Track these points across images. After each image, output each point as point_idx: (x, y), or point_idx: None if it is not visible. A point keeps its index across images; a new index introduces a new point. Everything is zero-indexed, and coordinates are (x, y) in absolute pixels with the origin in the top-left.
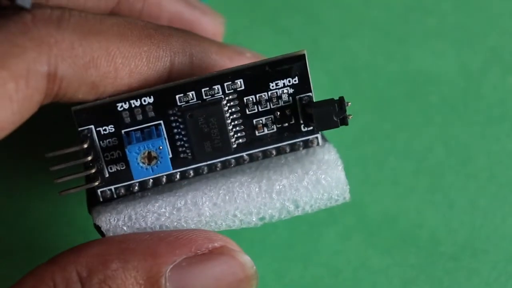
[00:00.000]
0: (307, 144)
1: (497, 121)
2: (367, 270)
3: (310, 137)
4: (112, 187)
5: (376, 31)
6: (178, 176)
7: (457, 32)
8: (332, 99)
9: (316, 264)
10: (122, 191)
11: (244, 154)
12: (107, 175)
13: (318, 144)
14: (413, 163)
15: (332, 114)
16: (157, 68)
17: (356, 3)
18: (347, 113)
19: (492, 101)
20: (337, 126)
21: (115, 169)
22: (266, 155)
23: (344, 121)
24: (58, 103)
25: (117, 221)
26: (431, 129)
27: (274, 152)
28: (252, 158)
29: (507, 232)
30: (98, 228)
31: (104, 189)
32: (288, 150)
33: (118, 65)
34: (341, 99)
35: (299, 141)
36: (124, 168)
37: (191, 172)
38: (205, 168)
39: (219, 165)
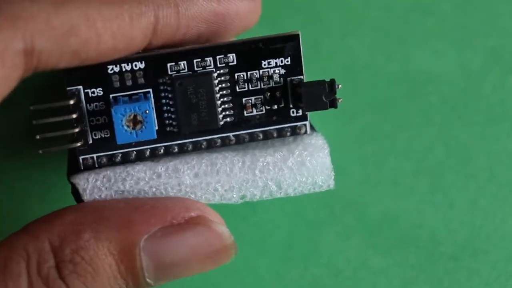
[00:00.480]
0: (295, 131)
1: (497, 121)
2: (367, 270)
3: (299, 123)
4: (94, 155)
5: (376, 31)
6: (162, 151)
7: (457, 32)
8: (323, 80)
9: (316, 264)
10: (104, 160)
11: (230, 134)
12: (90, 142)
13: (306, 131)
14: (413, 163)
15: (321, 94)
16: (141, 25)
17: (356, 3)
18: (337, 96)
19: (492, 101)
20: (326, 108)
21: (99, 136)
22: (252, 138)
23: (333, 104)
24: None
25: (95, 181)
26: (431, 129)
27: (261, 135)
28: (239, 139)
29: (507, 232)
30: (75, 190)
31: (86, 156)
32: (275, 135)
33: (100, 30)
34: (332, 81)
35: (287, 127)
36: (108, 136)
37: (176, 148)
38: (190, 145)
39: (204, 143)
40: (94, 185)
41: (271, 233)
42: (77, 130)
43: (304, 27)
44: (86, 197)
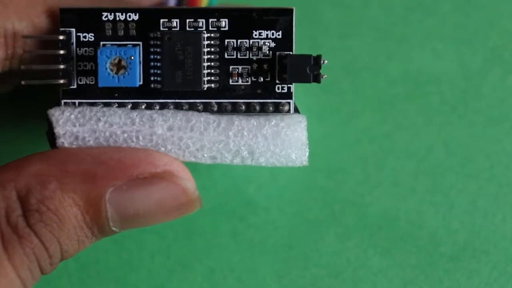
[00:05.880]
0: (278, 108)
1: (497, 121)
2: (367, 270)
3: (283, 101)
4: (77, 101)
5: (376, 31)
6: (143, 107)
7: (457, 32)
8: (310, 54)
9: (316, 264)
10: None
11: (213, 101)
12: (75, 86)
13: (289, 110)
14: (413, 163)
15: (306, 67)
16: None
17: (356, 3)
18: (322, 72)
19: (492, 101)
20: (309, 81)
21: (84, 82)
22: (235, 108)
23: (316, 78)
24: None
25: (70, 114)
26: (431, 129)
27: (243, 107)
28: (221, 107)
29: (507, 232)
30: (49, 126)
31: (68, 101)
32: (258, 108)
33: None
34: (318, 56)
35: (270, 102)
36: (93, 83)
37: (157, 106)
38: (172, 106)
39: (186, 106)
40: (68, 118)
41: (271, 233)
42: (62, 66)
43: (304, 27)
44: (58, 128)
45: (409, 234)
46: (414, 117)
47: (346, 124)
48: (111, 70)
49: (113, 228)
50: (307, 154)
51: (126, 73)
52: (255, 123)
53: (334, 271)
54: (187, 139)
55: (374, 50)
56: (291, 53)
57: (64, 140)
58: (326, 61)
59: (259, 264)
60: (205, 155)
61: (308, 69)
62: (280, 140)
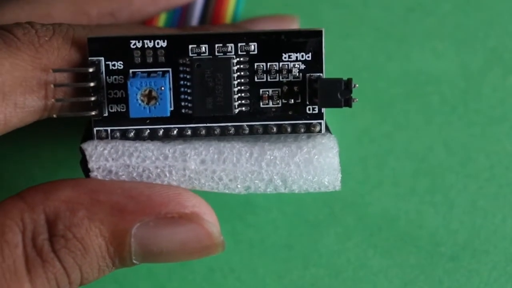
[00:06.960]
0: (309, 128)
1: (497, 121)
2: (367, 270)
3: (314, 121)
4: (109, 129)
5: (376, 31)
6: (175, 132)
7: (457, 32)
8: (341, 78)
9: (316, 264)
10: (118, 134)
11: (244, 124)
12: (106, 114)
13: (320, 130)
14: (413, 163)
15: (337, 91)
16: None
17: (356, 3)
18: (353, 96)
19: (492, 101)
20: (341, 106)
21: (115, 110)
22: (266, 130)
23: (348, 102)
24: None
25: (103, 149)
26: (431, 129)
27: (274, 129)
28: (252, 130)
29: (507, 232)
30: (83, 158)
31: (100, 128)
32: (289, 130)
33: None
34: (349, 80)
35: (301, 124)
36: (124, 110)
37: (189, 131)
38: (204, 130)
39: (218, 130)
40: (101, 153)
41: (270, 233)
42: (93, 99)
43: (303, 27)
44: (92, 164)
45: (409, 234)
46: (414, 117)
47: (346, 124)
48: (142, 101)
49: (134, 261)
50: (340, 178)
51: (157, 103)
52: (287, 151)
53: (334, 271)
54: (220, 172)
55: (374, 50)
56: (321, 75)
57: (98, 174)
58: (357, 85)
59: (259, 264)
60: (239, 185)
61: (339, 94)
62: (313, 167)
